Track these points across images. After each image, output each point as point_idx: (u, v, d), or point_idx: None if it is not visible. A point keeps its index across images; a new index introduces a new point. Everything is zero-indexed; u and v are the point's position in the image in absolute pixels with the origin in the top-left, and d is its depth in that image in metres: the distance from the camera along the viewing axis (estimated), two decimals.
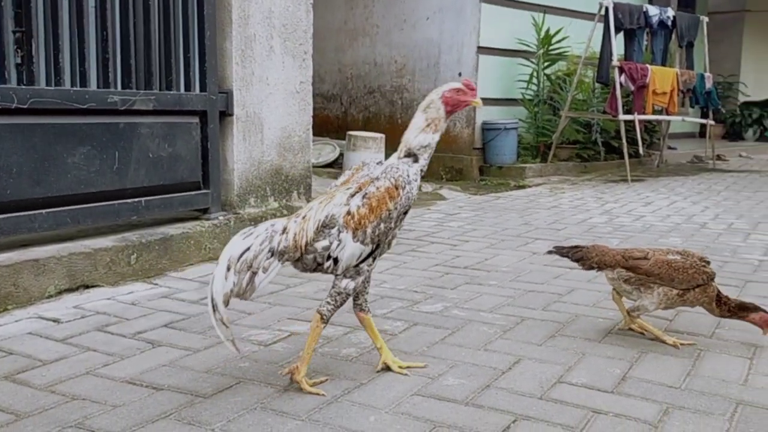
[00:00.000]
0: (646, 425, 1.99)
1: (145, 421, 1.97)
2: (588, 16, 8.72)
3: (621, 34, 8.29)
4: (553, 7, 8.73)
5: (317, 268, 2.20)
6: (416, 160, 2.22)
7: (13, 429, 1.93)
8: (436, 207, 6.02)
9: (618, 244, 4.41)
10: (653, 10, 8.50)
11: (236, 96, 4.05)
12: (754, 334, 2.75)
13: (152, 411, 2.04)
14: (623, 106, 7.94)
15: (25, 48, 3.16)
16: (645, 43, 8.71)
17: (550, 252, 2.85)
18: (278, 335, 2.69)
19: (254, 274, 2.10)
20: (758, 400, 2.16)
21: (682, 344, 2.60)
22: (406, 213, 2.22)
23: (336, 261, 2.15)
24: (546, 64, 8.50)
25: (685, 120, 9.76)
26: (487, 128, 8.12)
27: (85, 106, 3.31)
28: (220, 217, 3.97)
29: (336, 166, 7.59)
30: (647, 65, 8.17)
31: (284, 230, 2.16)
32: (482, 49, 8.10)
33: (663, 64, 8.72)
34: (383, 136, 7.17)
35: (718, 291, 2.63)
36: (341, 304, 2.22)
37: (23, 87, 3.11)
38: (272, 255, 2.12)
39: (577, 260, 2.75)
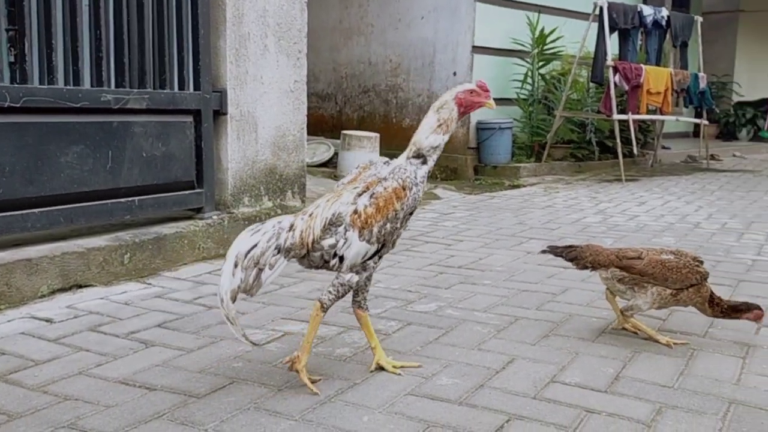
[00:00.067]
0: (639, 425, 1.99)
1: (138, 422, 1.97)
2: (582, 15, 8.73)
3: (615, 34, 8.30)
4: (547, 6, 8.74)
5: (323, 265, 2.21)
6: (425, 162, 2.23)
7: (6, 429, 1.92)
8: (431, 206, 6.02)
9: (612, 244, 4.42)
10: (647, 10, 8.51)
11: (230, 95, 4.04)
12: (747, 333, 2.76)
13: (145, 411, 2.03)
14: (617, 105, 7.95)
15: (18, 46, 3.15)
16: (639, 42, 8.72)
17: (544, 251, 2.85)
18: (272, 335, 2.68)
19: (261, 270, 2.12)
20: (751, 400, 2.16)
21: (675, 344, 2.61)
22: (411, 213, 2.24)
23: (342, 259, 2.16)
24: (540, 63, 8.51)
25: (679, 120, 9.78)
26: (482, 128, 8.12)
27: (78, 105, 3.30)
28: (214, 217, 3.97)
29: (331, 165, 7.58)
30: (641, 65, 8.19)
31: (291, 227, 2.17)
32: (477, 49, 8.10)
33: (657, 63, 8.74)
34: (378, 135, 7.18)
35: (711, 291, 2.64)
36: (342, 296, 2.22)
37: (16, 85, 3.10)
38: (279, 252, 2.14)
39: (571, 260, 2.75)
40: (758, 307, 2.61)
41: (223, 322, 2.80)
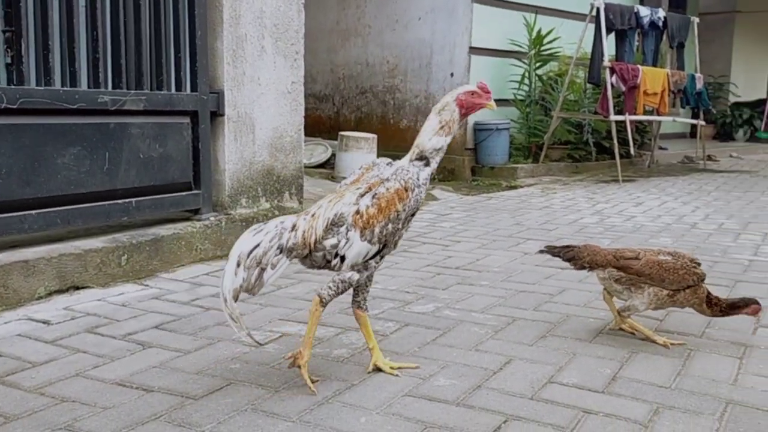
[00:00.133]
0: (636, 425, 1.99)
1: (135, 423, 1.96)
2: (579, 16, 8.74)
3: (612, 35, 8.32)
4: (544, 7, 8.75)
5: (326, 265, 2.22)
6: (427, 164, 2.25)
7: (2, 431, 1.92)
8: (428, 207, 6.02)
9: (609, 244, 4.43)
10: (644, 11, 8.53)
11: (227, 96, 4.04)
12: (744, 333, 2.77)
13: (142, 413, 2.03)
14: (614, 106, 7.97)
15: (15, 47, 3.15)
16: (636, 43, 8.74)
17: (541, 252, 2.86)
18: (269, 336, 2.68)
19: (263, 270, 2.14)
20: (748, 400, 2.16)
21: (672, 344, 2.61)
22: (413, 215, 2.25)
23: (343, 259, 2.18)
24: (537, 64, 8.52)
25: (676, 120, 9.80)
26: (479, 128, 8.13)
27: (75, 106, 3.29)
28: (212, 218, 3.96)
29: (328, 166, 7.58)
30: (638, 66, 8.20)
31: (293, 227, 2.19)
32: (474, 50, 8.11)
33: (654, 64, 8.75)
34: (375, 136, 7.18)
35: (708, 292, 2.64)
36: (342, 292, 2.23)
37: (13, 87, 3.09)
38: (281, 252, 2.16)
39: (568, 260, 2.75)
40: (756, 302, 2.62)
41: (220, 323, 2.82)
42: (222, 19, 3.98)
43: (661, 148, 10.78)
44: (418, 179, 2.21)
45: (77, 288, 3.21)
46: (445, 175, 8.13)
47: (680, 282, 2.58)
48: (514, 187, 7.48)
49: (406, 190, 2.18)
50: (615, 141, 7.99)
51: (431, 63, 8.39)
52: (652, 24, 8.59)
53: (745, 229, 5.10)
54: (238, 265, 2.11)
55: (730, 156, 11.85)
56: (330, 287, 2.21)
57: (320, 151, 7.83)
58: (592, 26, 8.10)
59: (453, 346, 2.59)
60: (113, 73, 3.55)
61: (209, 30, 3.96)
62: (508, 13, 8.47)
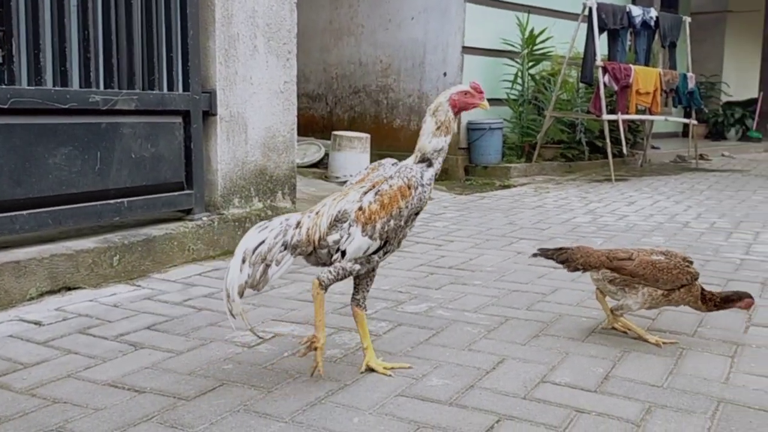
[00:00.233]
0: (628, 424, 2.00)
1: (126, 425, 1.96)
2: (572, 16, 8.76)
3: (604, 35, 8.33)
4: (537, 7, 8.77)
5: (331, 262, 2.25)
6: (430, 165, 2.28)
7: None
8: None
9: (602, 244, 4.44)
10: (636, 11, 8.55)
11: (220, 96, 4.03)
12: (736, 332, 2.78)
13: (134, 414, 2.02)
14: (607, 105, 7.98)
15: (6, 47, 3.13)
16: (628, 43, 8.77)
17: (535, 255, 2.85)
18: (262, 336, 2.67)
19: (268, 266, 2.17)
20: (739, 399, 2.17)
21: (664, 343, 2.62)
22: (417, 214, 2.27)
23: (344, 253, 2.20)
24: (530, 64, 8.54)
25: (668, 120, 9.84)
26: (473, 128, 8.14)
27: (66, 106, 3.28)
28: (204, 218, 3.95)
29: (321, 166, 7.57)
30: (630, 65, 8.22)
31: (298, 224, 2.23)
32: (467, 49, 8.11)
33: (646, 64, 8.78)
34: (368, 136, 7.18)
35: (702, 288, 2.65)
36: (341, 279, 2.25)
37: (3, 87, 3.07)
38: (285, 248, 2.19)
39: (562, 262, 2.75)
40: (749, 296, 2.63)
41: (212, 323, 2.81)
42: (214, 18, 3.97)
43: (653, 147, 10.82)
44: (421, 178, 2.24)
45: (69, 289, 3.19)
46: (439, 174, 8.12)
47: (674, 282, 2.59)
48: (507, 187, 7.49)
49: (409, 188, 2.21)
50: (608, 140, 8.01)
51: (424, 62, 8.39)
52: (644, 24, 8.62)
53: (736, 228, 5.12)
54: (244, 261, 2.15)
55: (722, 155, 11.89)
56: (330, 272, 2.24)
57: (313, 150, 7.82)
58: (584, 26, 8.12)
59: (446, 346, 2.59)
60: (105, 73, 3.53)
61: (201, 29, 3.95)
62: (501, 12, 8.48)
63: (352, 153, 6.85)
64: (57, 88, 3.29)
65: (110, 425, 1.95)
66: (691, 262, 2.66)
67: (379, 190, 2.21)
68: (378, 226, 2.19)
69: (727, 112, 14.39)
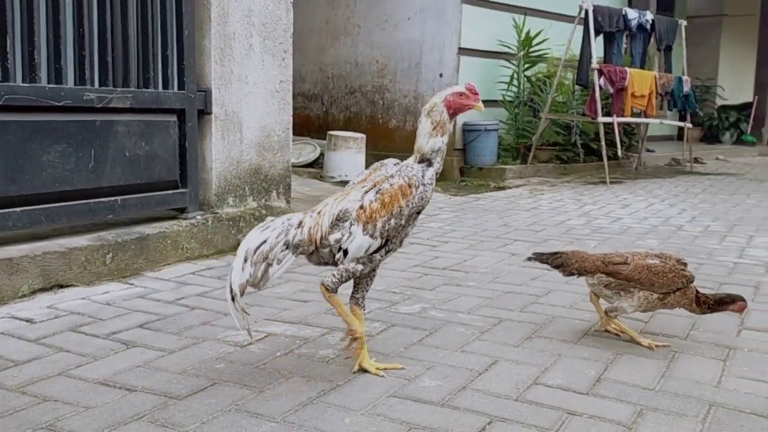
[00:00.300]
0: (620, 427, 2.00)
1: (118, 423, 1.95)
2: (568, 18, 8.77)
3: (600, 37, 8.35)
4: (533, 9, 8.77)
5: (333, 261, 2.26)
6: (430, 164, 2.29)
7: None
8: None
9: (596, 246, 4.45)
10: (632, 14, 8.57)
11: (215, 94, 4.02)
12: (728, 336, 2.78)
13: (125, 412, 2.01)
14: (602, 108, 8.00)
15: (0, 44, 3.12)
16: (624, 46, 8.78)
17: (529, 259, 2.84)
18: (255, 336, 2.67)
19: (269, 265, 2.19)
20: (731, 402, 2.18)
21: (657, 346, 2.62)
22: (419, 213, 2.29)
23: (345, 252, 2.22)
24: (526, 65, 8.54)
25: (663, 123, 9.85)
26: (468, 129, 8.14)
27: (60, 104, 3.27)
28: (198, 217, 3.94)
29: (317, 165, 7.56)
30: (626, 68, 8.23)
31: (300, 224, 2.24)
32: (463, 50, 8.12)
33: (642, 67, 8.79)
34: (364, 136, 7.18)
35: (696, 290, 2.66)
36: (345, 281, 2.27)
37: None
38: (287, 248, 2.21)
39: (557, 267, 2.74)
40: (742, 299, 2.64)
41: (205, 322, 2.80)
42: (210, 17, 3.96)
43: (648, 150, 10.83)
44: (422, 177, 2.25)
45: (61, 286, 3.18)
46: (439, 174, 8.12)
47: (670, 285, 2.59)
48: (503, 188, 7.49)
49: (410, 187, 2.23)
50: (603, 143, 8.02)
51: (420, 63, 8.39)
52: (640, 27, 8.64)
53: (730, 232, 5.13)
54: (245, 260, 2.16)
55: (717, 159, 11.92)
56: (334, 275, 2.25)
57: (308, 150, 7.82)
58: (580, 28, 8.13)
59: (439, 347, 2.59)
60: (100, 71, 3.52)
61: (197, 28, 3.94)
62: (498, 14, 8.48)
63: (348, 153, 6.85)
64: (51, 86, 3.28)
65: (101, 423, 1.94)
66: (686, 265, 2.67)
67: (380, 189, 2.22)
68: (378, 224, 2.20)
69: (722, 116, 14.41)
